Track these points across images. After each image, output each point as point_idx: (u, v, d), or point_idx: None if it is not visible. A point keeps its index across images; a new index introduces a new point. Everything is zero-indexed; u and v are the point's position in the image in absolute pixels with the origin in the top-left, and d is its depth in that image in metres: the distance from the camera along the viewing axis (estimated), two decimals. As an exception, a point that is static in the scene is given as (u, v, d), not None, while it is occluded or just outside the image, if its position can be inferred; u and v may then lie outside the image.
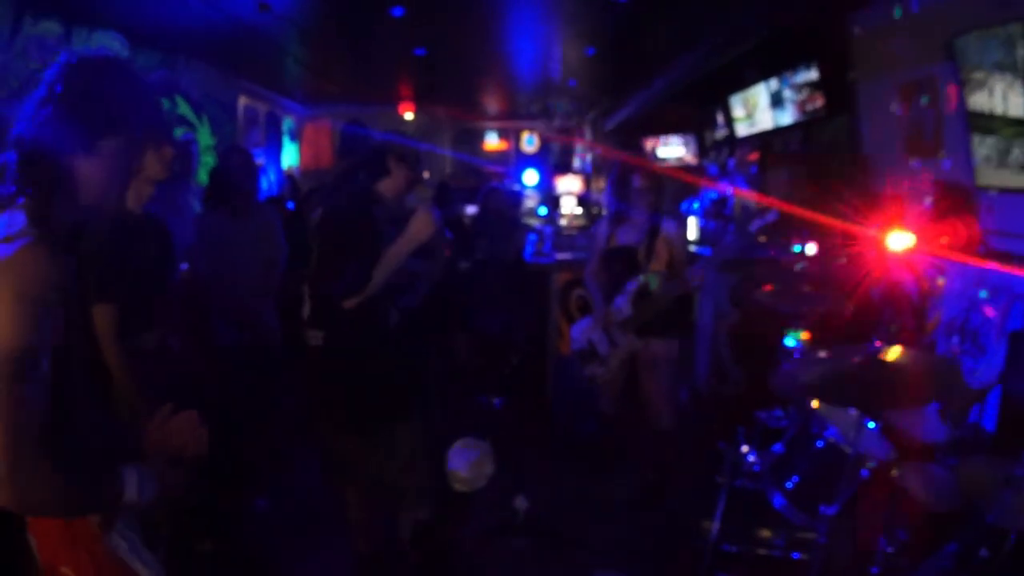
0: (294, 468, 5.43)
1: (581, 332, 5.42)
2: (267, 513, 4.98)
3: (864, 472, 3.23)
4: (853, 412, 3.26)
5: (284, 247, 5.44)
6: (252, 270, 5.24)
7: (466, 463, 4.50)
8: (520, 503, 4.72)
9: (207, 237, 5.08)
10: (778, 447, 3.63)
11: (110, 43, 5.98)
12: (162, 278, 3.82)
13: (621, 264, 5.28)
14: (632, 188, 5.22)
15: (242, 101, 9.31)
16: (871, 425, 3.33)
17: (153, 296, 3.67)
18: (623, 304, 5.20)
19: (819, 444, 3.45)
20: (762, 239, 5.50)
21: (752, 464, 3.71)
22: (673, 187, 8.82)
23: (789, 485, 3.35)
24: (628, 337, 5.19)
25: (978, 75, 4.49)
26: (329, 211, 4.15)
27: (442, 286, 5.06)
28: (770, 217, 4.93)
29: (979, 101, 4.54)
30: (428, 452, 4.28)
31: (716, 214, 9.00)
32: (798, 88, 7.07)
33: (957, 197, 4.83)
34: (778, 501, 3.32)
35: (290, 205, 8.16)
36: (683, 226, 5.50)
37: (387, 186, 4.06)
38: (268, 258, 5.36)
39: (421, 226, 3.83)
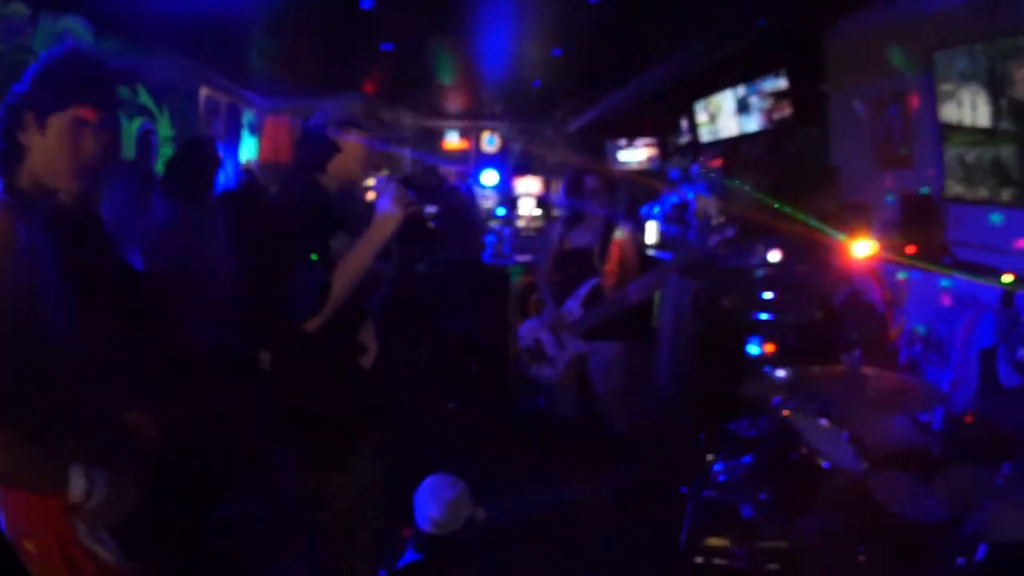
0: (269, 472, 5.25)
1: (528, 330, 5.37)
2: (240, 519, 4.81)
3: (839, 483, 3.19)
4: (825, 422, 3.22)
5: (239, 244, 5.20)
6: (217, 261, 5.06)
7: (442, 506, 4.04)
8: (479, 514, 4.63)
9: (169, 230, 4.93)
10: (748, 458, 3.58)
11: (75, 27, 5.84)
12: (118, 277, 3.62)
13: (574, 266, 5.23)
14: (586, 190, 5.18)
15: (204, 92, 9.12)
16: (844, 435, 3.28)
17: (111, 296, 3.50)
18: (574, 307, 5.16)
19: (793, 456, 3.41)
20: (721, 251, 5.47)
21: (719, 475, 3.66)
22: (634, 191, 8.78)
23: (761, 497, 3.30)
24: (576, 340, 5.14)
25: (947, 87, 4.50)
26: (268, 211, 3.67)
27: (401, 288, 4.97)
28: (728, 233, 4.90)
29: (949, 112, 4.55)
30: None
31: (677, 219, 8.97)
32: (766, 96, 7.06)
33: (924, 208, 4.83)
34: (748, 512, 3.27)
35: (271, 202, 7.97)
36: (637, 229, 5.49)
37: (337, 169, 3.36)
38: (223, 254, 5.14)
39: (386, 222, 3.20)
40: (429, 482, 4.12)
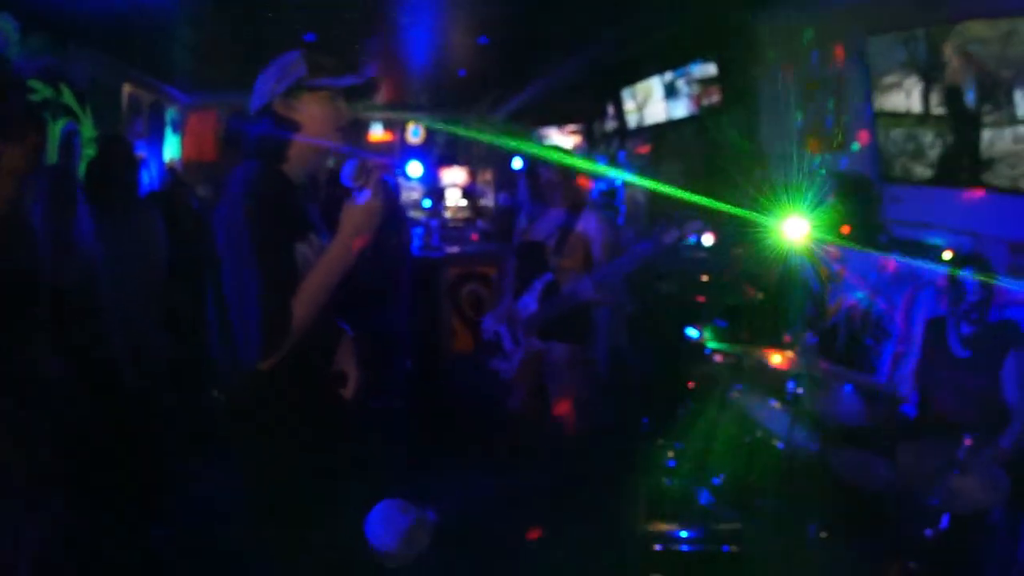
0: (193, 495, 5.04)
1: (490, 323, 5.21)
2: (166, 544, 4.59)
3: (794, 464, 3.16)
4: (776, 403, 3.18)
5: (165, 249, 5.00)
6: (131, 275, 4.83)
7: (397, 537, 3.39)
8: (427, 516, 4.51)
9: (87, 236, 4.72)
10: (697, 443, 3.54)
11: (3, 25, 5.63)
12: (32, 289, 3.37)
13: (532, 259, 5.05)
14: (541, 182, 5.00)
15: (127, 89, 8.88)
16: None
17: (21, 312, 3.27)
18: (530, 302, 4.99)
19: (746, 439, 3.37)
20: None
21: (669, 460, 3.61)
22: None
23: (715, 481, 3.26)
24: (531, 337, 4.99)
25: (881, 72, 4.53)
26: (209, 217, 2.71)
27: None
28: (689, 227, 4.67)
29: (883, 97, 4.58)
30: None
31: (606, 205, 8.96)
32: (694, 82, 7.06)
33: (858, 188, 4.85)
34: (705, 498, 3.22)
35: (195, 203, 7.72)
36: (606, 220, 5.20)
37: (301, 152, 2.65)
38: (149, 261, 4.94)
39: (366, 216, 2.54)
40: (380, 510, 3.48)
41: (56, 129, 6.60)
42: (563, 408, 4.87)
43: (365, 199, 2.55)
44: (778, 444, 3.20)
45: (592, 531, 4.27)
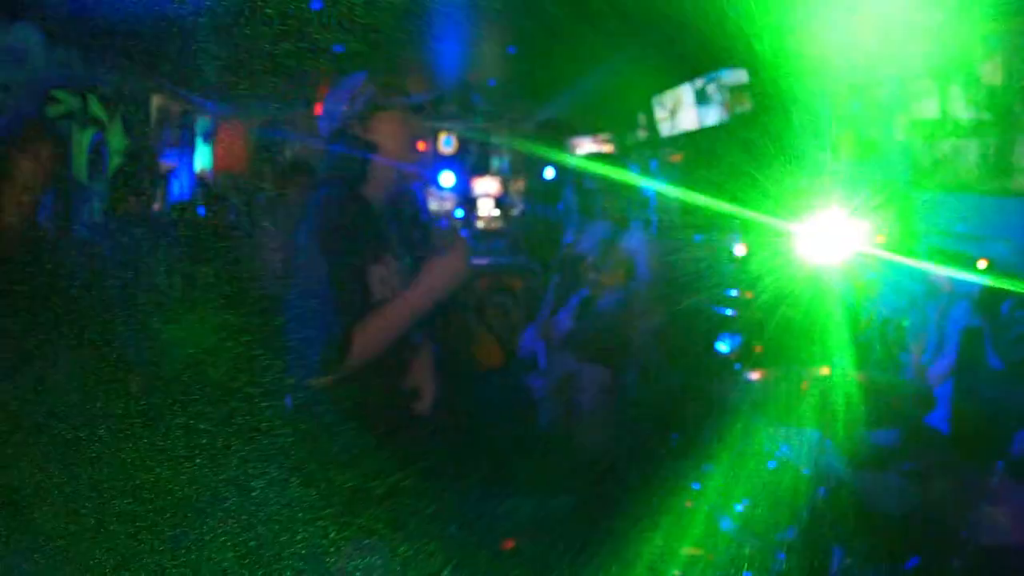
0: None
1: (530, 339, 5.08)
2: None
3: (821, 490, 3.05)
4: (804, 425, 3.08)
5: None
6: (154, 282, 4.83)
7: None
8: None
9: (106, 247, 4.71)
10: (722, 466, 3.44)
11: (27, 36, 5.65)
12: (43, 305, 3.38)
13: (569, 275, 4.93)
14: (583, 190, 4.89)
15: (156, 100, 8.91)
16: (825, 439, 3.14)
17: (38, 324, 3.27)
18: (564, 318, 4.86)
19: (771, 465, 3.26)
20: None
21: (694, 483, 3.51)
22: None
23: (738, 508, 3.16)
24: (565, 354, 4.85)
25: (920, 81, 4.42)
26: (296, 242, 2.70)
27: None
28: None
29: (916, 101, 4.47)
30: None
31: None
32: (725, 88, 6.95)
33: (891, 195, 4.73)
34: (726, 524, 3.12)
35: (201, 211, 7.76)
36: (654, 238, 5.05)
37: (381, 174, 2.62)
38: (173, 268, 4.91)
39: (453, 278, 2.53)
40: None
41: (84, 140, 6.61)
42: (592, 430, 4.76)
43: (453, 261, 2.56)
44: (804, 470, 3.10)
45: (613, 554, 4.17)
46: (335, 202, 2.55)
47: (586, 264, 4.82)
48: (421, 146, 2.77)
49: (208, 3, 5.95)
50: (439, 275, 2.54)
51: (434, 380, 2.83)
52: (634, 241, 4.83)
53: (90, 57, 6.79)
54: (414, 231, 2.61)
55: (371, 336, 2.42)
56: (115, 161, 6.97)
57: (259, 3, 6.01)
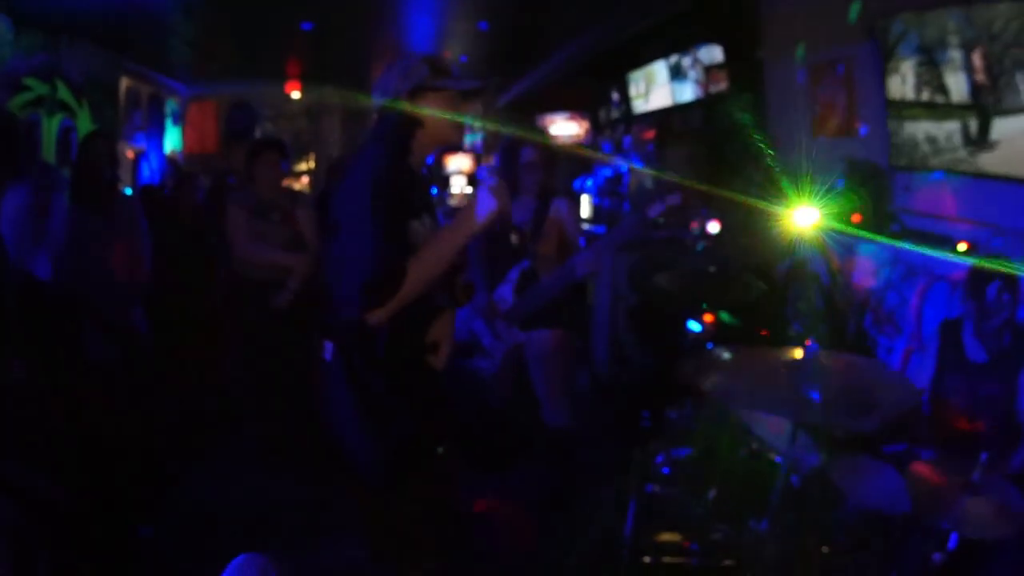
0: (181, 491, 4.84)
1: (461, 321, 4.94)
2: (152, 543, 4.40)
3: (795, 479, 2.95)
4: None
5: (148, 243, 4.91)
6: (116, 269, 4.69)
7: None
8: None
9: (69, 235, 4.56)
10: (692, 450, 3.34)
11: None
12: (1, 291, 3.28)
13: (505, 247, 4.84)
14: (521, 163, 4.79)
15: (124, 83, 8.76)
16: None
17: None
18: (507, 293, 4.77)
19: (742, 453, 3.16)
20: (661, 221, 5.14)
21: (662, 467, 3.39)
22: (566, 165, 8.54)
23: (710, 495, 3.04)
24: (512, 329, 4.77)
25: (899, 59, 4.33)
26: (340, 191, 2.87)
27: (314, 280, 4.67)
28: (671, 200, 4.54)
29: (895, 82, 4.38)
30: None
31: (610, 192, 8.79)
32: (700, 66, 6.84)
33: (869, 176, 4.64)
34: (699, 512, 3.01)
35: (200, 194, 7.59)
36: (575, 206, 5.10)
37: (423, 144, 2.83)
38: (133, 255, 4.80)
39: (485, 217, 2.60)
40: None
41: (53, 126, 6.51)
42: (551, 401, 4.67)
43: (485, 200, 2.64)
44: (776, 458, 3.00)
45: (580, 537, 4.06)
46: (380, 163, 2.71)
47: (524, 235, 4.75)
48: (462, 128, 2.93)
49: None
50: (477, 212, 2.64)
51: (452, 339, 2.95)
52: (562, 211, 4.78)
53: (58, 43, 6.69)
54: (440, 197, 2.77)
55: (423, 271, 2.59)
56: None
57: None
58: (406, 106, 2.77)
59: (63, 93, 6.79)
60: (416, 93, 2.78)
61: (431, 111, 2.78)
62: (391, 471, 2.83)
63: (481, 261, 4.91)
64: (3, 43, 5.64)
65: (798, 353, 2.78)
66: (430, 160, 3.03)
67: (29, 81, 6.10)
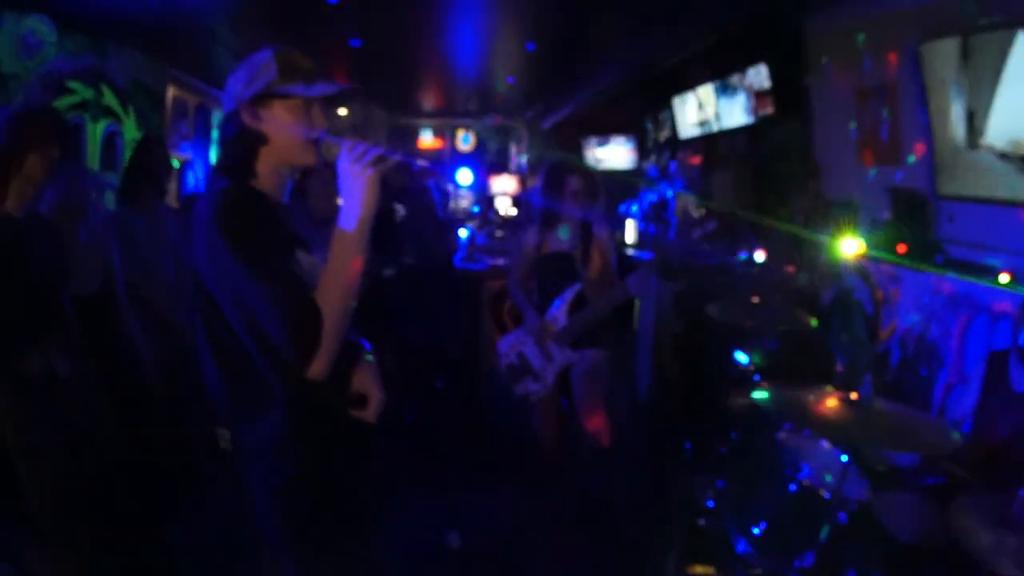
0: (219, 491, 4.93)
1: (509, 346, 5.04)
2: (189, 545, 4.49)
3: (842, 516, 2.97)
4: (825, 444, 2.99)
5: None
6: (166, 271, 4.84)
7: None
8: (452, 540, 4.39)
9: (119, 236, 4.67)
10: (737, 481, 3.36)
11: (39, 27, 5.65)
12: (48, 289, 3.38)
13: (555, 271, 4.93)
14: (566, 190, 4.88)
15: (171, 92, 8.88)
16: (844, 458, 3.04)
17: (36, 311, 3.26)
18: (559, 314, 4.86)
19: (791, 488, 3.17)
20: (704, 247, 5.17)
21: (707, 499, 3.43)
22: (612, 189, 8.57)
23: (756, 531, 3.07)
24: (564, 350, 4.85)
25: (935, 80, 4.31)
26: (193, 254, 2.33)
27: (364, 294, 4.71)
28: (709, 227, 4.61)
29: (942, 108, 4.36)
30: None
31: (656, 217, 8.79)
32: (747, 91, 6.85)
33: (914, 204, 4.64)
34: (742, 547, 3.04)
35: None
36: (613, 230, 5.14)
37: (272, 165, 2.39)
38: (180, 258, 4.90)
39: (362, 193, 2.21)
40: None
41: (98, 130, 6.60)
42: (595, 421, 4.74)
43: (347, 174, 2.24)
44: (825, 494, 3.01)
45: (620, 563, 4.10)
46: (224, 196, 2.22)
47: (575, 259, 4.84)
48: (315, 146, 2.39)
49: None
50: (352, 194, 2.24)
51: (380, 387, 2.52)
52: (603, 234, 4.86)
53: (104, 47, 6.77)
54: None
55: (334, 299, 2.17)
56: (129, 151, 6.97)
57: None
58: (248, 116, 2.30)
59: (109, 98, 6.89)
60: (260, 101, 2.30)
61: (277, 123, 2.30)
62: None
63: (525, 285, 5.02)
64: (46, 44, 5.74)
65: (851, 395, 2.78)
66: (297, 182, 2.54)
67: (73, 84, 6.20)
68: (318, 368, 2.13)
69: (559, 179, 4.91)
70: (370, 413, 2.47)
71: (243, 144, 2.32)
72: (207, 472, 4.64)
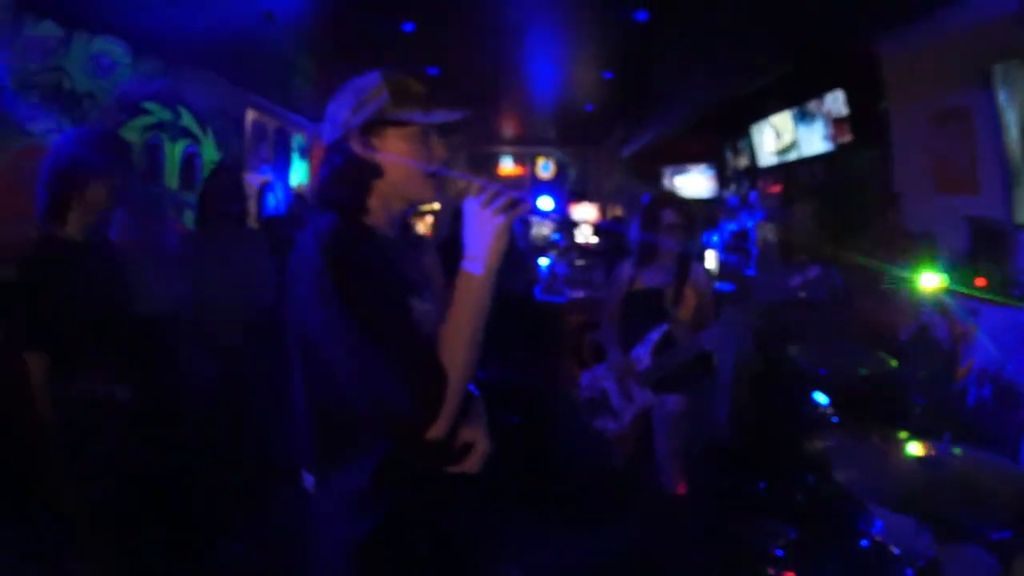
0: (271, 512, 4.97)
1: (592, 379, 5.00)
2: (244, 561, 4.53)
3: (909, 572, 2.90)
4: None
5: (269, 280, 4.88)
6: (229, 300, 4.76)
7: None
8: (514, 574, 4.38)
9: (188, 260, 4.76)
10: (808, 532, 3.30)
11: (111, 48, 5.82)
12: (109, 314, 3.39)
13: (645, 309, 4.83)
14: (663, 225, 4.78)
15: (250, 115, 9.08)
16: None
17: (96, 335, 3.30)
18: (644, 354, 4.77)
19: (863, 543, 3.10)
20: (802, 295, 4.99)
21: (778, 548, 3.36)
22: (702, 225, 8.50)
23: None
24: (645, 391, 4.77)
25: (1011, 102, 4.21)
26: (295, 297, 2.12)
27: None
28: (811, 273, 4.41)
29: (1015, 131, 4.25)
30: None
31: (736, 247, 8.70)
32: (825, 117, 6.77)
33: (994, 236, 4.52)
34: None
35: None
36: (709, 269, 4.98)
37: (386, 201, 2.18)
38: (249, 289, 4.83)
39: (491, 241, 2.04)
40: None
41: (176, 151, 6.77)
42: (671, 465, 4.67)
43: (476, 222, 2.06)
44: (894, 550, 2.94)
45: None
46: (331, 235, 2.02)
47: (665, 298, 4.73)
48: (435, 180, 2.21)
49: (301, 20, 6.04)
50: (479, 242, 2.06)
51: (486, 434, 2.32)
52: (699, 275, 4.75)
53: (180, 71, 6.93)
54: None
55: (457, 356, 1.99)
56: (208, 173, 7.14)
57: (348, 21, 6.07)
58: (358, 145, 2.11)
59: (187, 120, 7.06)
60: (371, 129, 2.12)
61: (393, 153, 2.12)
62: None
63: (619, 321, 4.94)
64: (120, 65, 5.89)
65: (929, 448, 2.70)
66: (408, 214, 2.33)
67: (149, 105, 6.35)
68: (437, 431, 1.96)
69: (655, 212, 4.82)
70: (473, 463, 2.27)
71: (353, 176, 2.13)
72: (269, 498, 4.62)
